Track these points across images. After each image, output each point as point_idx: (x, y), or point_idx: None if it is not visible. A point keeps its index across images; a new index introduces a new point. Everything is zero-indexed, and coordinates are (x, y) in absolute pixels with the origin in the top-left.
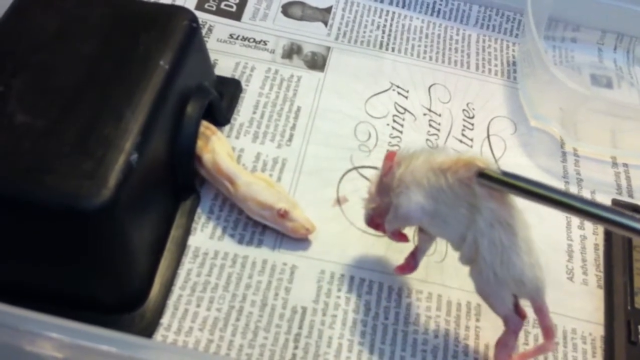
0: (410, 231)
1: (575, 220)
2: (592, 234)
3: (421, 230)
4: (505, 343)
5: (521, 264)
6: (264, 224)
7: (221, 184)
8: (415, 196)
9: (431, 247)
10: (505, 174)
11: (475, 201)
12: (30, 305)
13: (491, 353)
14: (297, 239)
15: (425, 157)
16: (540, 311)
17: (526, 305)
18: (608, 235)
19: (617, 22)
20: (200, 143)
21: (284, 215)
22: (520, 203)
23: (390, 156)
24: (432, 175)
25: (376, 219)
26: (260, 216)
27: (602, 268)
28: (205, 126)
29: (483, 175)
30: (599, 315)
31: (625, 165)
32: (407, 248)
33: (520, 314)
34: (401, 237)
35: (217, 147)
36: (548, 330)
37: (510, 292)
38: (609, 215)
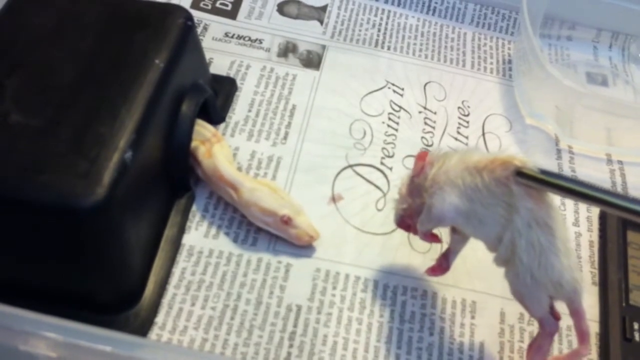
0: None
1: (570, 216)
2: (587, 231)
3: (454, 231)
4: (540, 346)
5: (560, 266)
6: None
7: (223, 190)
8: (449, 196)
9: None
10: (544, 172)
11: (513, 201)
12: (24, 304)
13: (487, 351)
14: None
15: (459, 157)
16: (577, 314)
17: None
18: (603, 232)
19: (612, 20)
20: (202, 149)
21: (287, 222)
22: None
23: (421, 156)
24: (467, 174)
25: (407, 220)
26: (264, 223)
27: (596, 265)
28: (213, 133)
29: (521, 174)
30: (594, 312)
31: (620, 162)
32: (401, 247)
33: (555, 316)
34: (433, 238)
35: (219, 154)
36: (583, 334)
37: (547, 294)
38: None
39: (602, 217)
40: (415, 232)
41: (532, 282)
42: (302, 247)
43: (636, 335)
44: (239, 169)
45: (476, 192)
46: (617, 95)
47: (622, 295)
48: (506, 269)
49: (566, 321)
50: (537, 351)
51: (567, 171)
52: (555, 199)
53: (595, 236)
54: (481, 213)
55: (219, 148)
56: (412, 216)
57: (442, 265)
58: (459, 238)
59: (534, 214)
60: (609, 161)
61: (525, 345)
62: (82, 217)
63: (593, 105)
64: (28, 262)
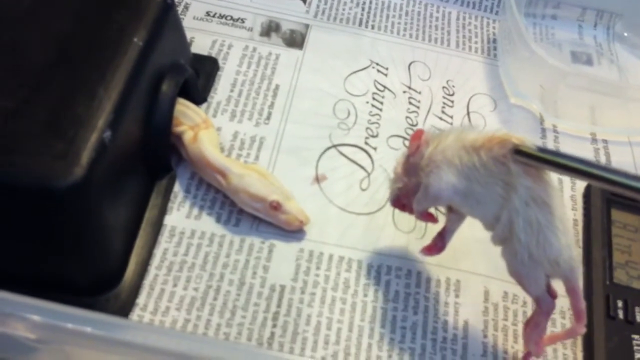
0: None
1: None
2: (571, 210)
3: (451, 210)
4: (537, 324)
5: (558, 244)
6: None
7: (211, 176)
8: (446, 175)
9: (456, 227)
10: (542, 149)
11: (511, 179)
12: (1, 287)
13: (471, 329)
14: None
15: (456, 135)
16: (573, 292)
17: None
18: (587, 211)
19: None
20: (190, 134)
21: (277, 207)
22: None
23: (417, 135)
24: (464, 153)
25: (402, 199)
26: (253, 209)
27: (581, 244)
28: (203, 119)
29: (519, 152)
30: None
31: (604, 141)
32: (385, 227)
33: (552, 294)
34: (429, 218)
35: (204, 139)
36: (580, 313)
37: (544, 272)
38: None
39: (587, 196)
40: (411, 212)
41: (530, 260)
42: (292, 231)
43: (620, 312)
44: (222, 149)
45: (473, 170)
46: (602, 74)
47: (606, 273)
48: (503, 248)
49: (560, 304)
50: (534, 329)
51: None
52: (553, 177)
53: (579, 215)
54: (479, 192)
55: (206, 133)
56: (407, 196)
57: (438, 244)
58: (455, 217)
59: (532, 192)
60: (594, 140)
61: (509, 324)
62: (60, 198)
63: (577, 84)
64: (5, 245)
